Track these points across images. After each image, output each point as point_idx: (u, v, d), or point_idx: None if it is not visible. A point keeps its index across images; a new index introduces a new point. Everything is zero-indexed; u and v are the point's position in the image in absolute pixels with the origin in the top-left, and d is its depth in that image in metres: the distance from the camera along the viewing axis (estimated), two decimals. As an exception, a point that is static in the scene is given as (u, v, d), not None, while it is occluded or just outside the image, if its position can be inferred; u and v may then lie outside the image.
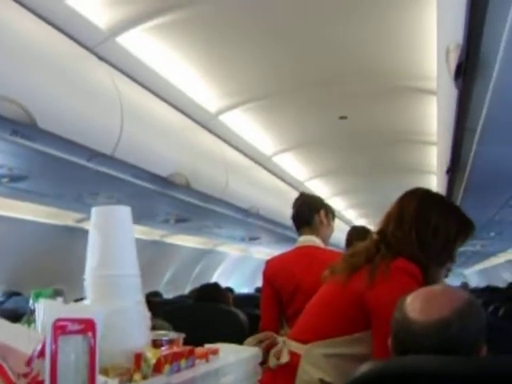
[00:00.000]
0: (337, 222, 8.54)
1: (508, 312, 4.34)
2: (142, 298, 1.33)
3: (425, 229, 1.85)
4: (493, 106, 2.59)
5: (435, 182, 7.70)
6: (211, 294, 4.19)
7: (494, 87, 2.36)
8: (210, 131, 4.97)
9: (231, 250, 10.54)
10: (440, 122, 4.41)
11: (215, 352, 1.43)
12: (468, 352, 1.25)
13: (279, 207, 6.79)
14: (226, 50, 4.05)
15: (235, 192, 5.27)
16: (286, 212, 7.12)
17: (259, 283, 9.69)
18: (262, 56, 4.19)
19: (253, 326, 3.24)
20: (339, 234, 3.97)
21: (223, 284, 7.61)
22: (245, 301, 5.73)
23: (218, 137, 5.13)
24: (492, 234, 8.44)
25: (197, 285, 5.93)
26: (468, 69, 2.37)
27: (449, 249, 1.87)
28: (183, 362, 1.26)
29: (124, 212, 1.33)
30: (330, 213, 3.15)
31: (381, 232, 1.94)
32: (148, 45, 3.77)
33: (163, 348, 1.32)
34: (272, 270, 2.98)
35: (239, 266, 11.36)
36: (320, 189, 8.84)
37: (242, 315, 3.66)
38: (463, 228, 1.91)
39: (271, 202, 6.45)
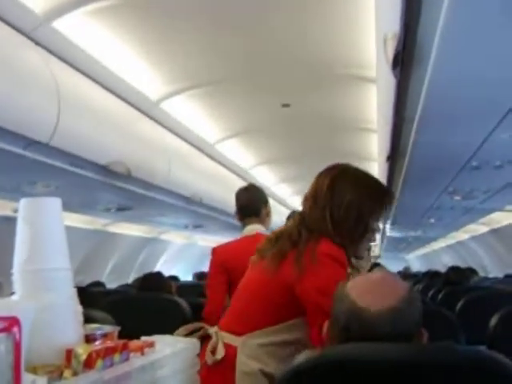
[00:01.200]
0: (282, 209, 8.63)
1: (447, 296, 4.44)
2: (73, 293, 1.29)
3: (337, 207, 1.82)
4: (429, 96, 2.63)
5: (376, 170, 7.82)
6: (154, 283, 4.17)
7: (431, 77, 2.39)
8: (152, 118, 4.89)
9: (175, 238, 10.48)
10: (379, 111, 4.46)
11: (151, 345, 1.40)
12: (411, 338, 1.30)
13: (223, 195, 6.77)
14: (167, 35, 3.98)
15: (178, 180, 5.22)
16: (229, 199, 7.10)
17: (202, 269, 9.50)
18: (203, 43, 4.14)
19: (196, 314, 3.23)
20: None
21: (168, 272, 7.59)
22: (189, 289, 5.71)
23: (160, 124, 5.06)
24: (432, 220, 8.63)
25: (140, 273, 5.88)
26: (405, 59, 2.40)
27: (364, 224, 1.85)
28: (117, 357, 1.23)
29: (53, 203, 1.29)
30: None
31: (302, 213, 1.93)
32: (86, 30, 3.67)
33: (97, 342, 1.29)
34: (224, 257, 3.08)
35: (184, 254, 11.31)
36: (265, 176, 8.86)
37: (184, 304, 3.64)
38: (378, 201, 1.88)
39: (215, 189, 6.43)
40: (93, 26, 3.65)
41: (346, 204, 1.82)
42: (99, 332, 1.34)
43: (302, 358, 1.22)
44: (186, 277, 10.40)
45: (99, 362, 1.15)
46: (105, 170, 3.99)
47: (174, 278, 7.38)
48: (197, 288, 5.50)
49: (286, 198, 10.97)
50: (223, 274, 3.05)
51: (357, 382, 1.17)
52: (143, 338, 1.51)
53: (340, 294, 1.37)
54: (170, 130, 5.26)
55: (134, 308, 3.63)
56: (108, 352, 1.20)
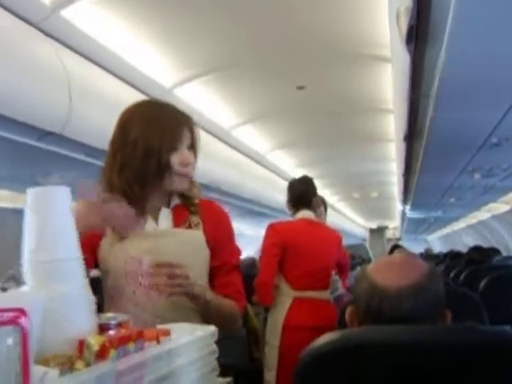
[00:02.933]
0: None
1: (469, 276, 4.38)
2: (85, 282, 1.27)
3: (125, 147, 1.69)
4: (446, 71, 2.57)
5: (394, 150, 7.75)
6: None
7: (446, 51, 2.33)
8: (166, 106, 4.85)
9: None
10: (395, 89, 4.39)
11: (166, 333, 1.37)
12: (434, 319, 1.27)
13: (240, 181, 6.74)
14: (178, 21, 3.95)
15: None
16: (247, 185, 7.06)
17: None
18: (215, 27, 4.10)
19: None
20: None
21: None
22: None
23: (174, 111, 5.01)
24: (452, 200, 8.55)
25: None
26: (419, 33, 2.34)
27: (155, 159, 1.67)
28: (131, 346, 1.20)
29: (61, 192, 1.26)
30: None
31: None
32: (96, 18, 3.65)
33: (111, 332, 1.26)
34: (283, 234, 3.38)
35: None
36: (282, 161, 8.82)
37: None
38: (171, 132, 1.71)
39: (232, 175, 6.40)
40: (102, 15, 3.63)
41: (133, 141, 1.67)
42: (113, 321, 1.31)
43: (321, 341, 1.18)
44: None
45: (112, 352, 1.13)
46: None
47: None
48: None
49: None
50: (279, 248, 3.32)
51: (377, 365, 1.13)
52: (158, 327, 1.48)
53: (360, 276, 1.34)
54: (184, 116, 5.20)
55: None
56: (122, 341, 1.17)
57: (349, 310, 1.39)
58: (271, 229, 3.44)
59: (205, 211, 1.82)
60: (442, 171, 5.84)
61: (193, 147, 1.76)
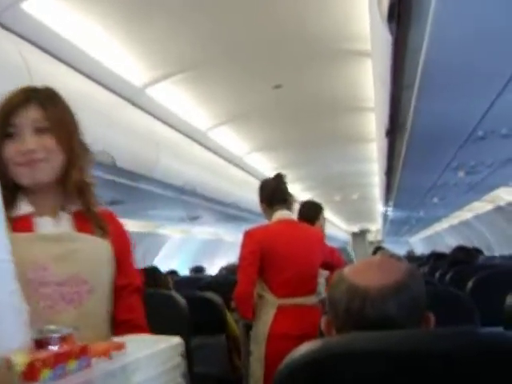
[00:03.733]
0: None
1: (455, 277, 4.25)
2: (15, 288, 1.07)
3: None
4: (429, 54, 2.43)
5: (375, 150, 7.64)
6: (150, 278, 4.00)
7: (430, 31, 2.19)
8: (137, 106, 4.68)
9: (173, 232, 10.35)
10: (376, 81, 4.26)
11: (119, 347, 1.18)
12: (417, 323, 1.21)
13: (218, 184, 6.58)
14: (147, 18, 3.80)
15: (167, 169, 5.01)
16: (225, 188, 6.90)
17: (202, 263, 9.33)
18: (187, 23, 3.96)
19: (192, 309, 3.07)
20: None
21: (167, 267, 7.42)
22: (186, 283, 5.56)
23: (147, 112, 4.85)
24: (435, 199, 8.49)
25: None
26: (401, 11, 2.19)
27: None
28: (72, 364, 1.02)
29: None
30: None
31: None
32: (62, 14, 3.47)
33: (51, 347, 1.07)
34: (260, 239, 3.19)
35: (183, 248, 11.19)
36: (260, 163, 8.68)
37: (180, 298, 3.46)
38: None
39: (209, 178, 6.24)
40: (67, 9, 3.48)
41: None
42: (55, 335, 1.11)
43: (299, 351, 1.09)
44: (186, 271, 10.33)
45: (45, 373, 0.94)
46: (87, 160, 3.79)
47: (173, 273, 7.23)
48: (195, 281, 5.37)
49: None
50: (257, 256, 3.15)
51: (362, 375, 1.03)
52: (115, 339, 1.30)
53: (336, 280, 1.28)
54: (157, 117, 5.06)
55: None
56: (59, 359, 0.98)
57: (324, 320, 1.32)
58: (247, 236, 3.26)
59: (108, 221, 1.60)
60: (426, 168, 5.75)
61: (49, 127, 1.51)
